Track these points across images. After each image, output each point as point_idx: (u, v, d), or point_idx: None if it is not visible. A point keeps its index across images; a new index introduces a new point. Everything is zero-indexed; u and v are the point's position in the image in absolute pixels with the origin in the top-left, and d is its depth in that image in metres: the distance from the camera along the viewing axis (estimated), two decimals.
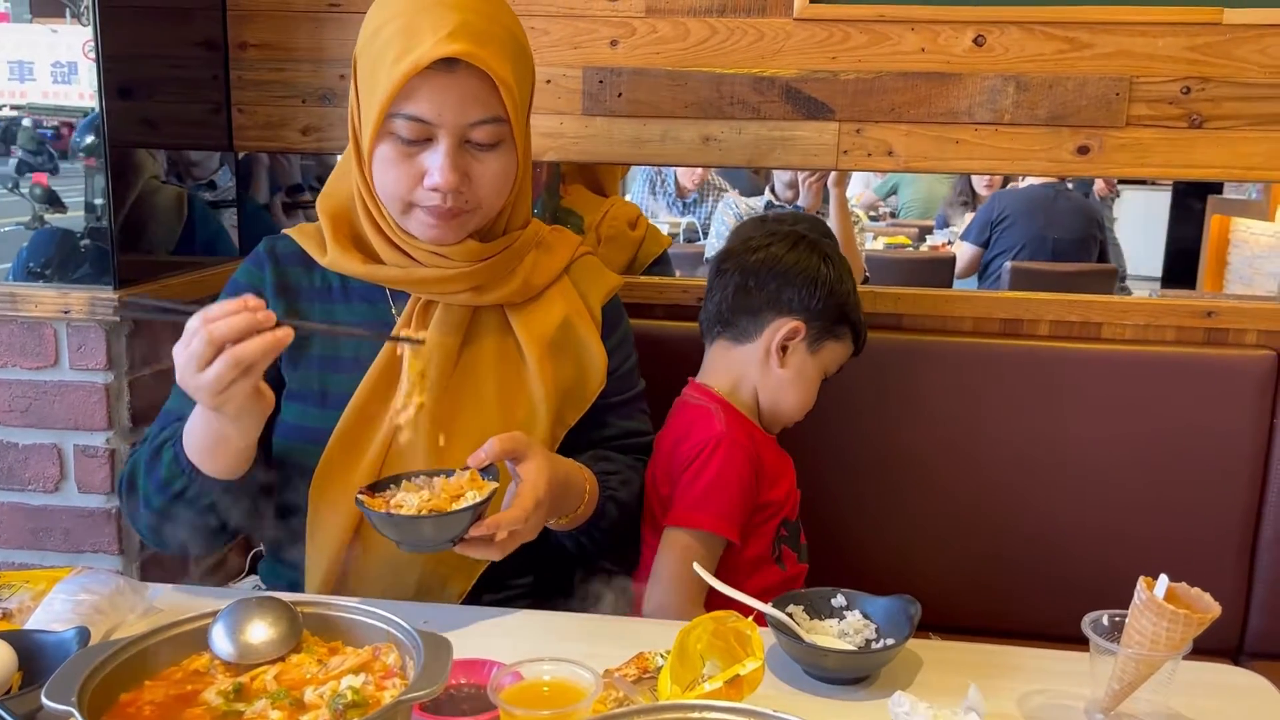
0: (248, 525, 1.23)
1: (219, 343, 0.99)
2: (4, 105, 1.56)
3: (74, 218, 1.57)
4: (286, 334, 1.01)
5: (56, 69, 1.53)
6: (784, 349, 1.37)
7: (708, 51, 1.68)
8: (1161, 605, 0.91)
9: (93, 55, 1.50)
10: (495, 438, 1.11)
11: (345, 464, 1.22)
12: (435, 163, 1.16)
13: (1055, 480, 1.63)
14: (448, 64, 1.12)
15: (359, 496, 1.07)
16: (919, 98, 1.65)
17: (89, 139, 1.53)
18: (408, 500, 1.06)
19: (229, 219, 1.84)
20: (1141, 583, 0.93)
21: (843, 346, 1.41)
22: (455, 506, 1.05)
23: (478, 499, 1.05)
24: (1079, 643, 1.00)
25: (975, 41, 1.63)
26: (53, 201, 1.57)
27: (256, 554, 1.45)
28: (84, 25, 1.50)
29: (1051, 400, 1.64)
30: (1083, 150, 1.64)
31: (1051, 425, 1.63)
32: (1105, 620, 0.99)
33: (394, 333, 1.24)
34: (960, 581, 1.66)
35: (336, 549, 1.23)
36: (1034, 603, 1.64)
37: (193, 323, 1.01)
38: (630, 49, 1.70)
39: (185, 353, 1.00)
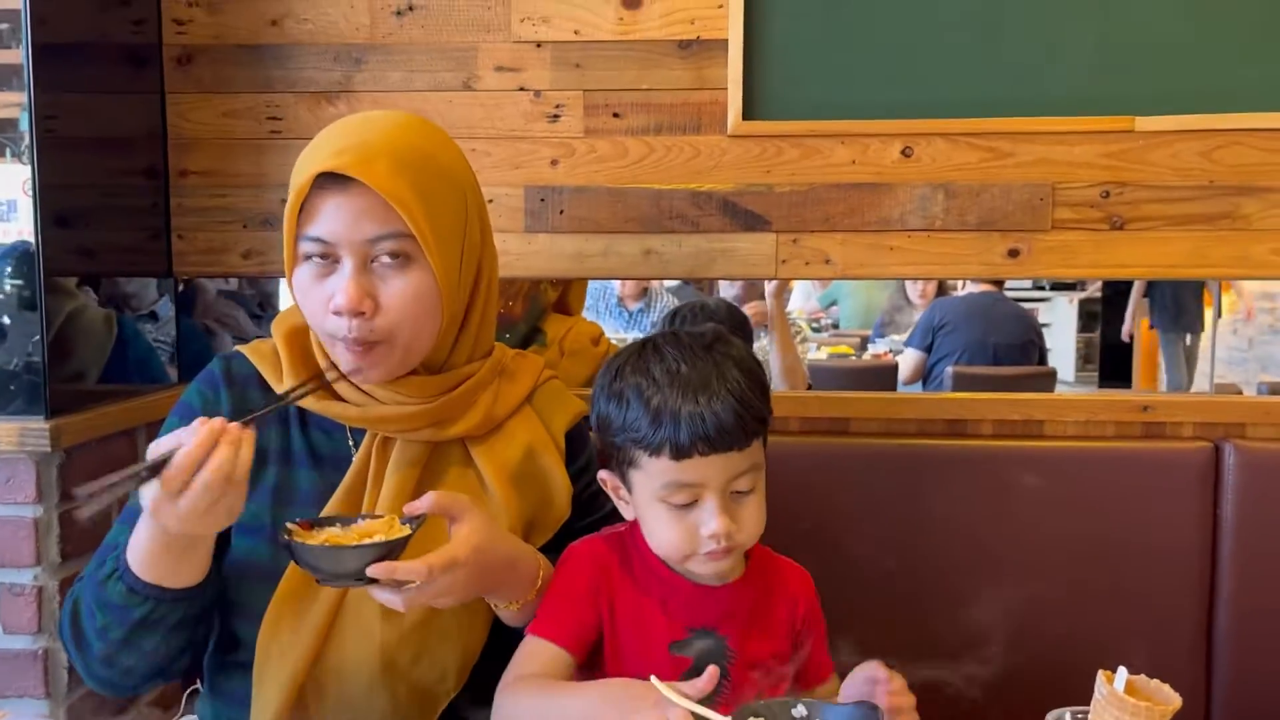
0: (189, 657, 1.20)
1: (191, 466, 0.97)
2: None
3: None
4: (250, 434, 1.01)
5: None
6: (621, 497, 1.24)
7: (646, 168, 1.73)
8: (1123, 699, 0.89)
9: (30, 192, 1.49)
10: (435, 491, 1.09)
11: (296, 610, 1.18)
12: (337, 284, 1.14)
13: (1006, 578, 1.63)
14: (341, 183, 1.12)
15: (287, 524, 1.06)
16: (852, 207, 1.70)
17: (9, 268, 1.51)
18: (336, 537, 1.05)
19: (167, 346, 1.82)
20: (1101, 676, 0.92)
21: (647, 464, 1.15)
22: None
23: (387, 539, 1.04)
24: None
25: (903, 153, 1.69)
26: None
27: (193, 691, 1.38)
28: (24, 164, 1.50)
29: (998, 498, 1.64)
30: (1013, 253, 1.69)
31: (999, 523, 1.64)
32: (1068, 717, 0.97)
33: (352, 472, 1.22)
34: (915, 684, 1.62)
35: (288, 687, 1.17)
36: (992, 704, 1.61)
37: (162, 448, 0.98)
38: (570, 168, 1.74)
39: (151, 488, 0.97)
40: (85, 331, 1.62)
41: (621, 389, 1.17)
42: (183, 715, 1.56)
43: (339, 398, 1.23)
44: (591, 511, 1.35)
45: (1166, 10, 1.63)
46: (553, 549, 1.29)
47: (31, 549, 1.49)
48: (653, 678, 1.02)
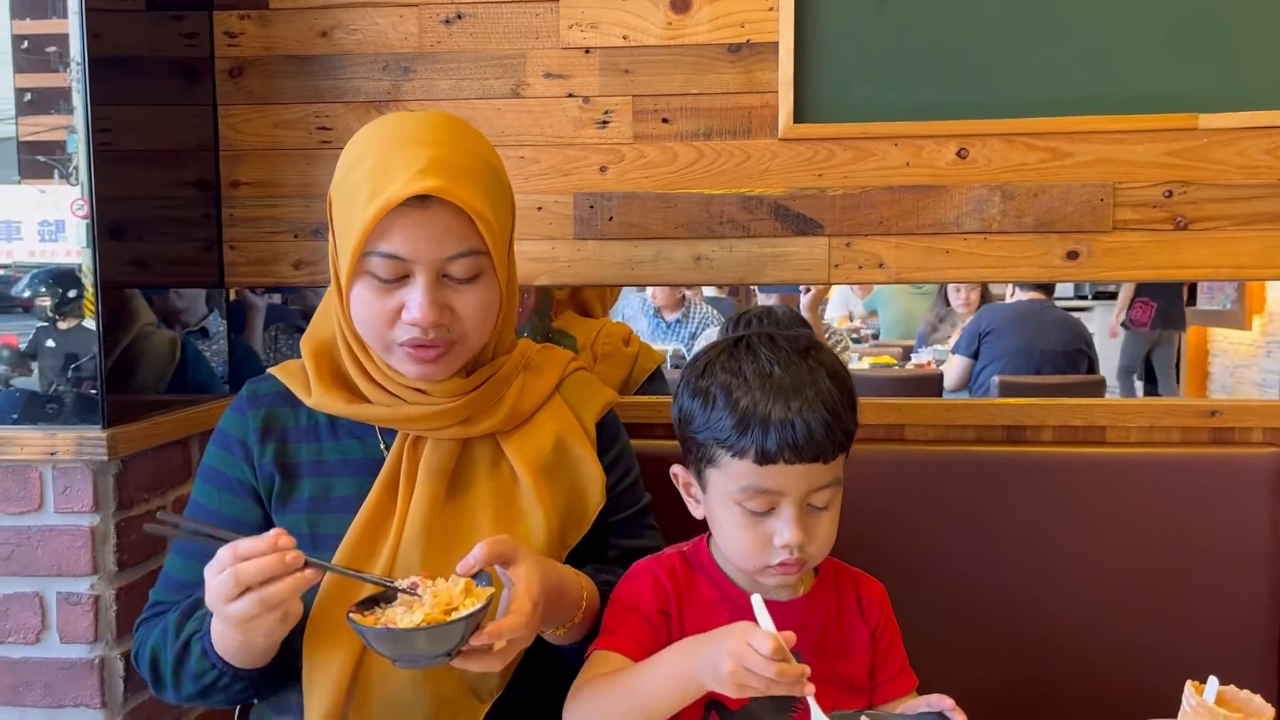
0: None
1: (245, 584, 1.00)
2: None
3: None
4: (314, 575, 1.03)
5: (44, 227, 1.54)
6: (692, 495, 1.22)
7: (696, 174, 1.71)
8: (1214, 710, 0.86)
9: (80, 213, 1.51)
10: (483, 541, 1.07)
11: (339, 610, 1.17)
12: (414, 299, 1.14)
13: (1070, 587, 1.59)
14: (421, 200, 1.12)
15: (350, 615, 1.03)
16: (906, 210, 1.68)
17: (68, 280, 1.53)
18: (401, 616, 1.02)
19: (221, 364, 1.83)
20: (1190, 687, 0.89)
21: (727, 464, 1.12)
22: (451, 617, 1.00)
23: (475, 608, 1.01)
24: None
25: (959, 154, 1.66)
26: (18, 364, 1.55)
27: (246, 704, 1.38)
28: (72, 185, 1.52)
29: (1060, 505, 1.61)
30: (1072, 255, 1.65)
31: (1062, 530, 1.60)
32: None
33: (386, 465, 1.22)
34: (983, 699, 1.59)
35: (334, 696, 1.17)
36: (1058, 715, 1.57)
37: (224, 555, 1.02)
38: (620, 174, 1.72)
39: (213, 582, 1.02)
40: (151, 353, 1.65)
41: (709, 386, 1.14)
42: None
43: (366, 400, 1.23)
44: (628, 504, 1.34)
45: (1230, 3, 1.59)
46: (591, 547, 1.28)
47: (89, 558, 1.50)
48: (755, 596, 1.04)
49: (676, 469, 1.22)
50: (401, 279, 1.15)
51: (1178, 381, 4.75)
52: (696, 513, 1.21)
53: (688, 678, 1.04)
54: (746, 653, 0.97)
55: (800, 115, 1.67)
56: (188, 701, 1.22)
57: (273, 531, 1.03)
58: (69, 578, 1.50)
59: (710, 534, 1.23)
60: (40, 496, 1.50)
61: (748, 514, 1.12)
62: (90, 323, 1.51)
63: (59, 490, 1.49)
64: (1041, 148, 1.64)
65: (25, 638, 1.52)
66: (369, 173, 1.14)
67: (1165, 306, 4.67)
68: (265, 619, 1.03)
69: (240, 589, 1.00)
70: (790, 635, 0.98)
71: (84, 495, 1.49)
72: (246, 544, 1.02)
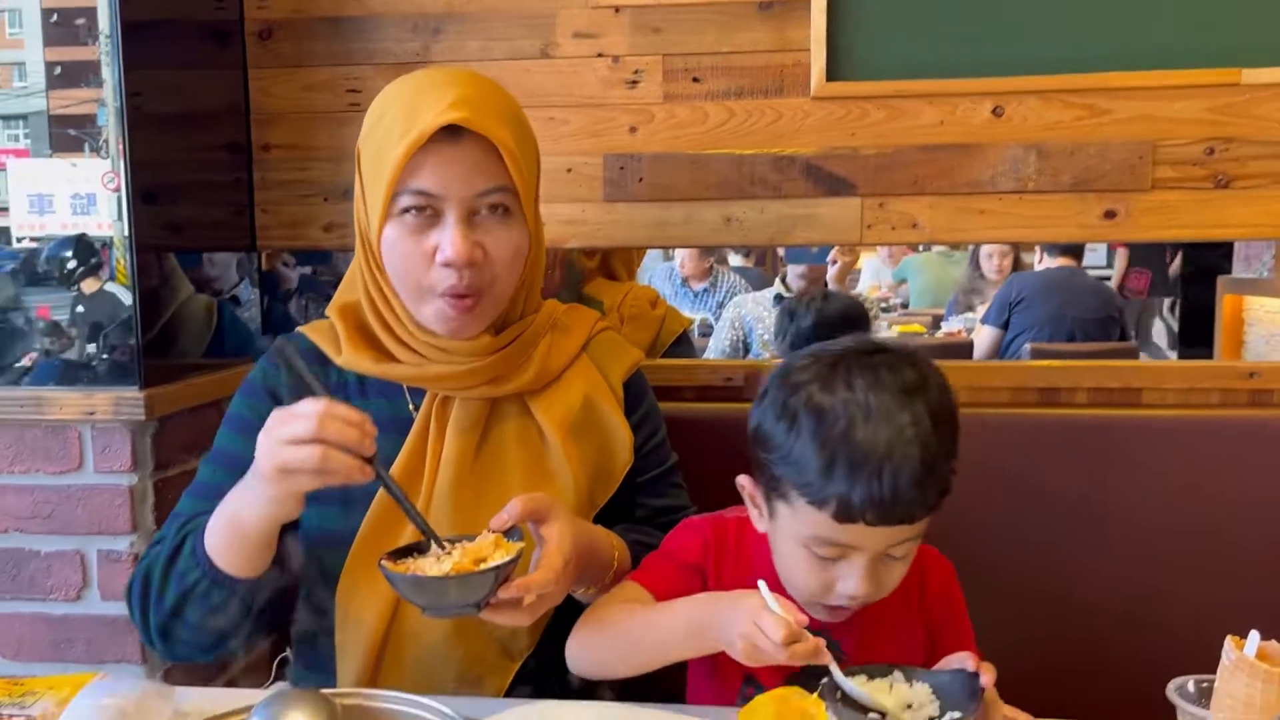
0: (252, 636, 1.19)
1: (322, 437, 0.98)
2: (24, 237, 1.58)
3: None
4: (366, 474, 1.01)
5: (76, 200, 1.56)
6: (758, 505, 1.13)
7: (726, 133, 1.69)
8: (1255, 665, 0.85)
9: (111, 186, 1.52)
10: (517, 498, 1.07)
11: (370, 567, 1.18)
12: (446, 237, 1.14)
13: (1106, 548, 1.57)
14: (451, 135, 1.12)
15: (382, 562, 1.03)
16: (940, 170, 1.66)
17: (106, 245, 1.55)
18: (431, 566, 1.02)
19: (255, 330, 1.85)
20: (1230, 642, 0.88)
21: (802, 509, 1.02)
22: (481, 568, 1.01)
23: (504, 560, 1.01)
24: None
25: (994, 112, 1.63)
26: (55, 334, 1.57)
27: (283, 659, 1.39)
28: (103, 158, 1.53)
29: (1096, 469, 1.59)
30: (1110, 215, 1.63)
31: (1097, 494, 1.58)
32: (1191, 686, 0.93)
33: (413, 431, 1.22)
34: (1022, 663, 1.58)
35: (367, 651, 1.19)
36: (1104, 681, 1.56)
37: (314, 406, 1.00)
38: (650, 134, 1.71)
39: (287, 421, 1.00)
40: (189, 317, 1.67)
41: (796, 411, 1.02)
42: (273, 682, 1.58)
43: (394, 360, 1.23)
44: (655, 464, 1.34)
45: None
46: (619, 507, 1.28)
47: (128, 517, 1.52)
48: (760, 583, 1.00)
49: (744, 480, 1.12)
50: (432, 221, 1.16)
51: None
52: (760, 526, 1.12)
53: (701, 631, 1.03)
54: (757, 636, 0.94)
55: (833, 73, 1.65)
56: (162, 627, 1.16)
57: (364, 414, 1.02)
58: (109, 536, 1.53)
59: None
60: (80, 456, 1.52)
61: (815, 557, 1.03)
62: (126, 287, 1.52)
63: (98, 450, 1.52)
64: (1079, 105, 1.61)
65: (67, 595, 1.55)
66: (397, 116, 1.15)
67: (1158, 277, 4.62)
68: (304, 480, 1.01)
69: (315, 437, 0.99)
70: (802, 618, 0.95)
71: (122, 455, 1.51)
72: (341, 407, 1.01)
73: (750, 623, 0.96)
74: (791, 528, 1.05)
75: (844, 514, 0.98)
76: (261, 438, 1.03)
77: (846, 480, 0.97)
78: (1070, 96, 1.61)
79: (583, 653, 1.12)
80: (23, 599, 1.56)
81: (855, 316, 2.15)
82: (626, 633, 1.09)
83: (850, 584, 1.03)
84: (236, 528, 1.09)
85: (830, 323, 2.03)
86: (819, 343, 1.09)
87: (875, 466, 0.97)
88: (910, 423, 0.99)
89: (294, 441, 0.99)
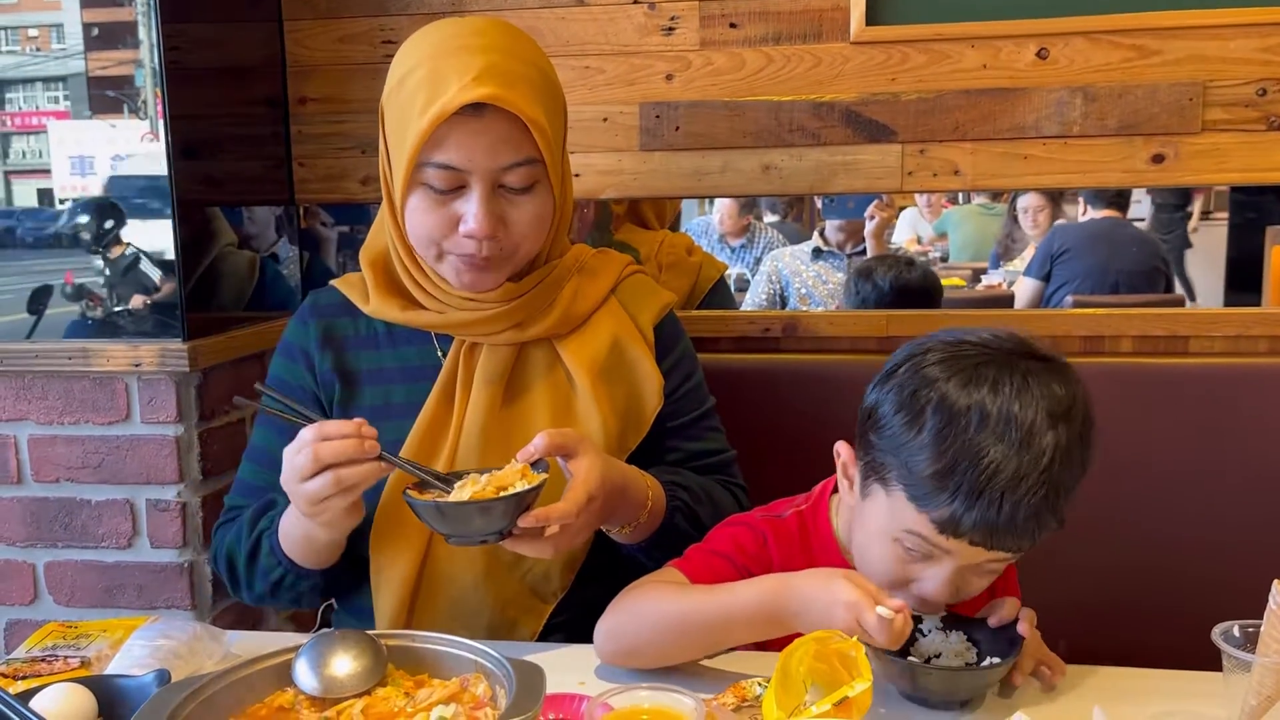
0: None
1: (324, 463, 1.02)
2: (66, 199, 1.60)
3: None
4: (382, 470, 1.05)
5: (116, 161, 1.57)
6: (849, 476, 1.07)
7: (764, 80, 1.67)
8: None
9: (149, 142, 1.54)
10: (544, 431, 1.07)
11: (401, 513, 1.19)
12: (469, 210, 1.13)
13: (1152, 500, 1.56)
14: (476, 109, 1.10)
15: (407, 491, 1.05)
16: (983, 115, 1.62)
17: (147, 199, 1.56)
18: (455, 495, 1.04)
19: (296, 285, 1.87)
20: (1276, 586, 0.87)
21: (902, 504, 0.97)
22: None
23: (525, 488, 1.02)
24: (1206, 668, 0.93)
25: (1039, 55, 1.60)
26: (81, 296, 1.59)
27: (328, 606, 1.42)
28: (141, 119, 1.54)
29: (1140, 418, 1.56)
30: (1158, 159, 1.59)
31: (1142, 443, 1.56)
32: (1236, 631, 0.92)
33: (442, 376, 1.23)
34: (1068, 609, 1.58)
35: (401, 597, 1.21)
36: (1150, 627, 1.55)
37: (306, 434, 1.04)
38: (686, 82, 1.69)
39: (292, 460, 1.05)
40: (231, 272, 1.68)
41: (925, 406, 0.94)
42: (319, 628, 1.61)
43: (421, 307, 1.24)
44: (690, 408, 1.33)
45: None
46: (652, 450, 1.28)
47: (175, 466, 1.55)
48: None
49: (841, 448, 1.06)
50: (456, 189, 1.15)
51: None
52: (845, 495, 1.07)
53: (773, 612, 0.97)
54: (868, 617, 0.90)
55: (873, 17, 1.62)
56: (262, 601, 1.26)
57: (355, 420, 1.04)
58: (157, 485, 1.56)
59: (832, 493, 1.13)
60: (127, 407, 1.55)
61: (900, 550, 0.98)
62: (170, 240, 1.54)
63: (144, 401, 1.54)
64: (1126, 45, 1.57)
65: (118, 543, 1.59)
66: (421, 82, 1.12)
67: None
68: (335, 502, 1.04)
69: (319, 467, 1.02)
70: (905, 608, 0.92)
71: (168, 405, 1.54)
72: (331, 425, 1.04)
73: (853, 621, 0.91)
74: (884, 516, 0.98)
75: (949, 528, 0.92)
76: (283, 482, 1.07)
77: (963, 498, 0.90)
78: (1118, 37, 1.57)
79: (612, 638, 1.07)
80: (75, 547, 1.60)
81: (934, 288, 2.11)
82: (672, 615, 1.03)
83: (928, 587, 0.98)
84: (311, 543, 1.15)
85: (912, 289, 1.98)
86: (954, 328, 1.01)
87: (998, 492, 0.89)
88: (1048, 452, 0.90)
89: (305, 477, 1.03)
